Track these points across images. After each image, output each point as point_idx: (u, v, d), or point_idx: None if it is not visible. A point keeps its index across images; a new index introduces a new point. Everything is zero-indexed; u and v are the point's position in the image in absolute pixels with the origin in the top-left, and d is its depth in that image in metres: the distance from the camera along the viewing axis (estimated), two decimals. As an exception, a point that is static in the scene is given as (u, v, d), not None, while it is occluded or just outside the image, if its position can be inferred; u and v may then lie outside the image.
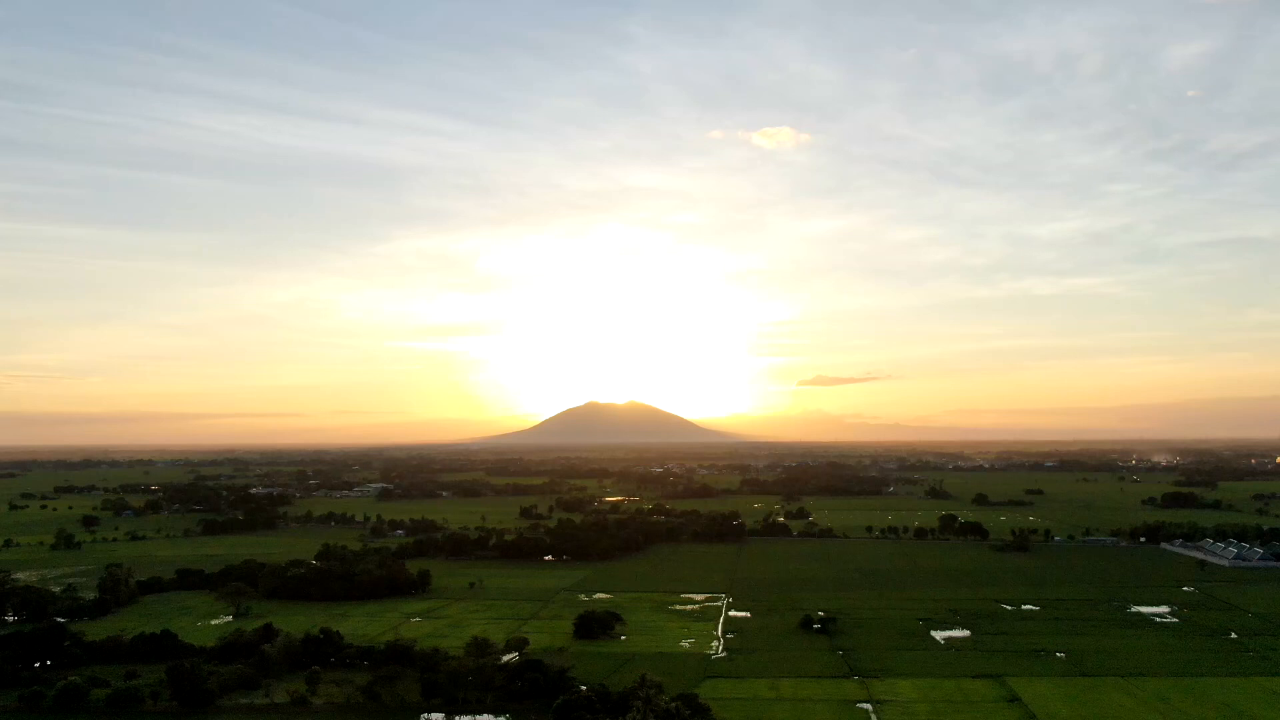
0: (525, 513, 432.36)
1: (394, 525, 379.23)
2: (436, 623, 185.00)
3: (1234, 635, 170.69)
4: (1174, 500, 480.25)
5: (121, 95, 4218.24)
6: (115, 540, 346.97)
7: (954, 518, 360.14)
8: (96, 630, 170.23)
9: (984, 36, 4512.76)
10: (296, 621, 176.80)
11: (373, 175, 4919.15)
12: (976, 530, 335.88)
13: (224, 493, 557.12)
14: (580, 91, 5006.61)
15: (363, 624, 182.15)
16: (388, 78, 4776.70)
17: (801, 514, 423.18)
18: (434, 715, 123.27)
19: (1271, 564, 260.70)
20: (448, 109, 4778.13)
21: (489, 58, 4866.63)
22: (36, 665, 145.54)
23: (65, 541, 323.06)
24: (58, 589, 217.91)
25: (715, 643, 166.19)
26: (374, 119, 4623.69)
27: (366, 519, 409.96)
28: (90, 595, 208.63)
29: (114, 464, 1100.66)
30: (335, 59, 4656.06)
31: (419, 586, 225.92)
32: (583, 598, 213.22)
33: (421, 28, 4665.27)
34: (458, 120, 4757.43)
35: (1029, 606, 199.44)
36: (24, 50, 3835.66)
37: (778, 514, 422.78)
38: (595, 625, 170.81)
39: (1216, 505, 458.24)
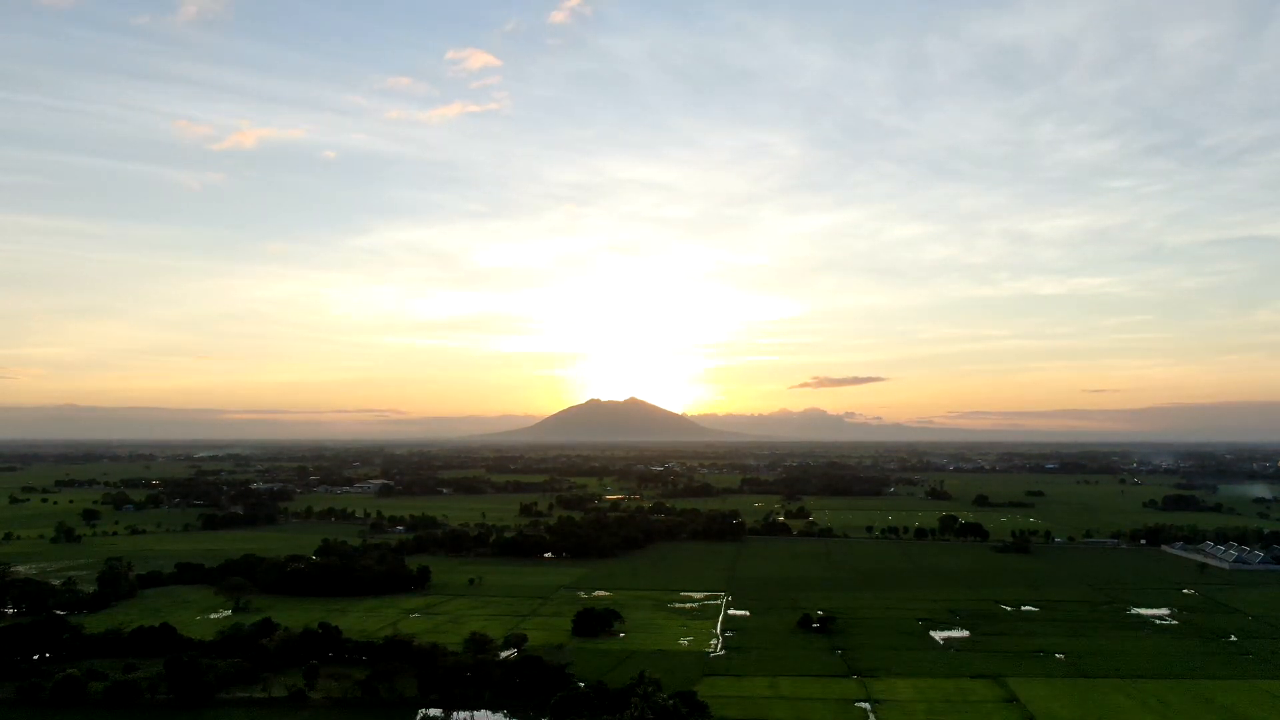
0: (525, 510, 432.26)
1: (394, 521, 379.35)
2: (435, 619, 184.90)
3: (1234, 638, 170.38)
4: (1175, 503, 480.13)
5: (98, 83, 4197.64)
6: (115, 534, 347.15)
7: (954, 518, 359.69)
8: (95, 623, 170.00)
9: (978, 22, 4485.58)
10: (295, 616, 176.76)
11: (348, 164, 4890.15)
12: (976, 531, 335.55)
13: (224, 488, 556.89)
14: (556, 77, 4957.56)
15: (361, 619, 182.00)
16: (358, 61, 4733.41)
17: (801, 513, 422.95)
18: (431, 711, 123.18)
19: (1272, 567, 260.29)
20: (419, 95, 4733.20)
21: (454, 37, 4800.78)
22: (35, 657, 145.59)
23: (65, 535, 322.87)
24: (57, 582, 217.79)
25: (714, 641, 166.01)
26: (342, 104, 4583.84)
27: (366, 515, 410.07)
28: (90, 588, 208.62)
29: (115, 458, 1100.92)
30: (307, 42, 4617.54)
31: (418, 583, 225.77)
32: (582, 595, 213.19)
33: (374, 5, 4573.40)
34: (431, 106, 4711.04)
35: (1028, 607, 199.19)
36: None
37: (778, 513, 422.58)
38: (594, 623, 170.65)
39: (1217, 508, 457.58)
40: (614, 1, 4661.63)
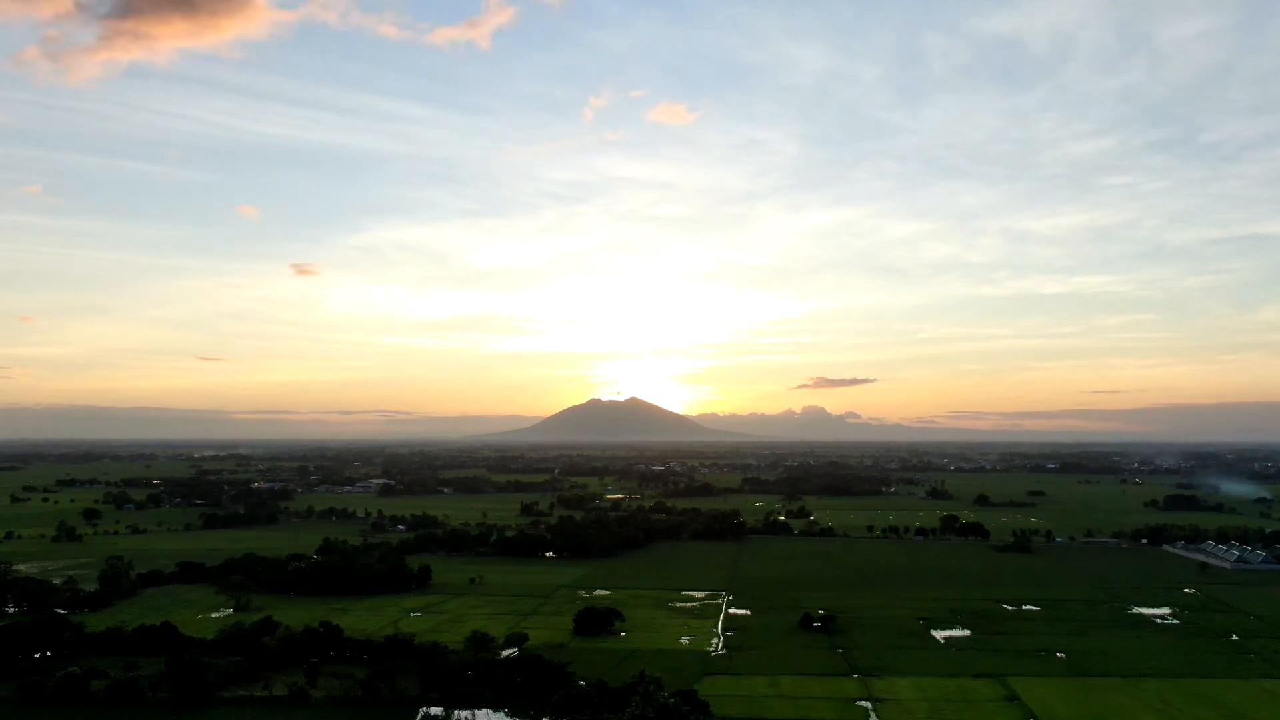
0: (526, 509, 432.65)
1: (395, 521, 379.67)
2: (436, 618, 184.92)
3: (1235, 637, 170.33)
4: (1176, 503, 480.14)
5: (96, 80, 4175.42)
6: (116, 533, 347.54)
7: (955, 518, 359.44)
8: (96, 622, 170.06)
9: (976, 17, 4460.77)
10: (296, 615, 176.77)
11: (339, 162, 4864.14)
12: (977, 531, 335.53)
13: (225, 487, 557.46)
14: (547, 72, 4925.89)
15: (363, 618, 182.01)
16: (345, 57, 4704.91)
17: (802, 513, 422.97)
18: (432, 709, 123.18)
19: (1273, 566, 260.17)
20: (405, 90, 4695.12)
21: (442, 32, 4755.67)
22: (36, 656, 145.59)
23: (66, 534, 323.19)
24: (58, 581, 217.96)
25: (715, 640, 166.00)
26: (330, 102, 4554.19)
27: (367, 514, 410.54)
28: (91, 587, 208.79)
29: (116, 458, 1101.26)
30: (292, 37, 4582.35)
31: (419, 582, 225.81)
32: (583, 594, 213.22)
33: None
34: (417, 102, 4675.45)
35: (1030, 607, 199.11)
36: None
37: (778, 513, 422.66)
38: (595, 622, 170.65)
39: (1219, 508, 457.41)
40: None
